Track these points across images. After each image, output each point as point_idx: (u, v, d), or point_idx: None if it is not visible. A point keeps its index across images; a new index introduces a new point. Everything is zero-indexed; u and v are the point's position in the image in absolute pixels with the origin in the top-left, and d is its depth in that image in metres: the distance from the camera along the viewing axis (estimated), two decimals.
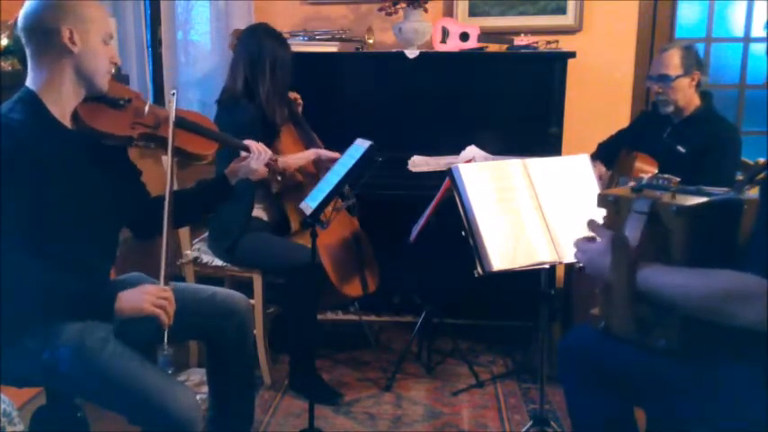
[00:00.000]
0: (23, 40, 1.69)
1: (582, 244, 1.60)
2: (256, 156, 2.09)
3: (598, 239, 1.55)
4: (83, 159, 1.72)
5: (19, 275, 1.55)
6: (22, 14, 1.69)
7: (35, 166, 1.60)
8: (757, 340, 1.30)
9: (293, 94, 2.95)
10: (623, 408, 1.63)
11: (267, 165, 2.15)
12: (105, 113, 1.77)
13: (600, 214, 1.64)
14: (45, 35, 1.66)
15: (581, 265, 1.60)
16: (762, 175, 1.44)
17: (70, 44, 1.66)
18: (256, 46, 2.77)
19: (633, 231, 1.45)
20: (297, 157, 2.79)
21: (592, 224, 1.57)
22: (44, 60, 1.68)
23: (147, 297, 1.63)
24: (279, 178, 2.73)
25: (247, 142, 2.14)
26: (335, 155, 2.75)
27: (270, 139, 2.79)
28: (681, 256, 1.44)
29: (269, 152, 2.12)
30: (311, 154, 2.81)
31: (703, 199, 1.48)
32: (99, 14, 1.73)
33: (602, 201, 1.61)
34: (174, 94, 1.87)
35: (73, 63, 1.69)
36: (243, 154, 2.15)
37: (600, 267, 1.51)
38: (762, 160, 1.70)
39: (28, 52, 1.70)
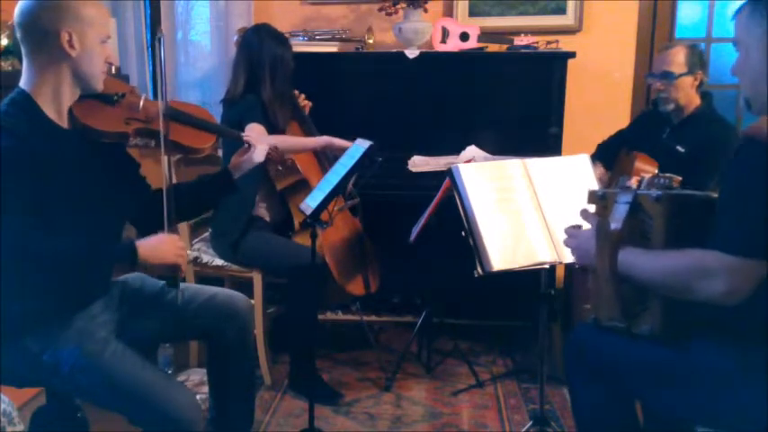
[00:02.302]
0: (19, 36, 1.67)
1: (571, 231, 1.71)
2: (257, 148, 2.06)
3: (587, 227, 1.65)
4: (81, 158, 1.71)
5: (34, 247, 1.55)
6: (18, 11, 1.66)
7: (34, 167, 1.59)
8: (744, 325, 1.37)
9: (301, 97, 2.95)
10: (626, 405, 1.65)
11: (268, 155, 2.12)
12: (99, 110, 1.76)
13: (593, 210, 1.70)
14: (43, 37, 1.64)
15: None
16: None
17: (69, 48, 1.64)
18: (257, 47, 2.77)
19: (617, 219, 1.56)
20: (306, 141, 2.78)
21: (584, 213, 1.68)
22: (40, 61, 1.66)
23: (167, 245, 1.67)
24: (279, 168, 2.72)
25: (246, 134, 2.11)
26: (347, 143, 2.72)
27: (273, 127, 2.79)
28: (660, 240, 1.53)
29: (271, 144, 2.10)
30: (323, 141, 2.77)
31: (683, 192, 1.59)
32: (98, 14, 1.70)
33: (591, 197, 1.73)
34: (163, 88, 1.83)
35: (70, 66, 1.67)
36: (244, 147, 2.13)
37: (587, 252, 1.62)
38: None
39: (23, 50, 1.68)
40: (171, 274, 1.73)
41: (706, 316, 1.41)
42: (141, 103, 1.83)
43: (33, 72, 1.68)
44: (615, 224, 1.54)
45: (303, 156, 2.82)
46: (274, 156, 2.16)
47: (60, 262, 1.59)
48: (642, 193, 1.56)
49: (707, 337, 1.45)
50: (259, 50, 2.76)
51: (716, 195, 1.51)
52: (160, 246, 1.67)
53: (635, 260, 1.48)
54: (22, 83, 1.69)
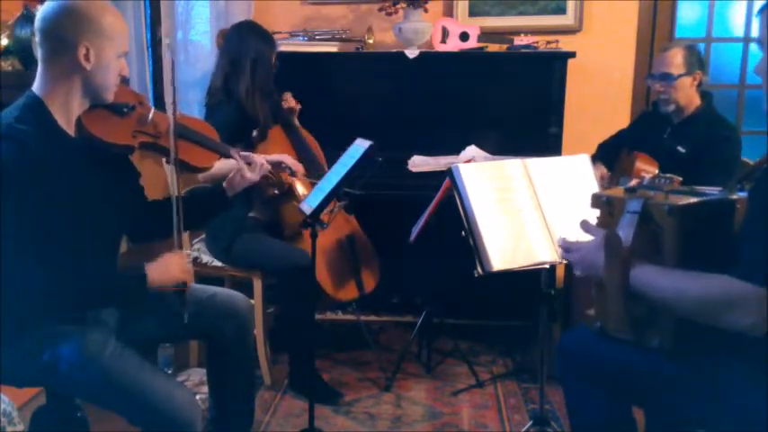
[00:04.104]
0: (37, 39, 1.67)
1: (570, 244, 1.61)
2: (254, 168, 2.07)
3: (590, 238, 1.57)
4: (86, 167, 1.72)
5: (34, 281, 1.58)
6: (40, 14, 1.66)
7: (41, 176, 1.59)
8: (754, 341, 1.31)
9: (289, 99, 2.93)
10: (622, 407, 1.64)
11: (265, 177, 2.13)
12: (108, 121, 1.76)
13: (596, 215, 1.65)
14: (60, 45, 1.64)
15: (567, 262, 1.62)
16: (749, 184, 1.45)
17: (84, 61, 1.64)
18: (239, 44, 2.77)
19: (626, 231, 1.47)
20: (268, 157, 2.74)
21: (584, 224, 1.59)
22: (54, 69, 1.66)
23: (173, 264, 1.73)
24: (276, 191, 2.72)
25: (251, 157, 2.12)
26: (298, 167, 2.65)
27: (249, 139, 2.78)
28: (673, 255, 1.45)
29: (267, 165, 2.11)
30: (284, 157, 2.66)
31: (696, 199, 1.50)
32: (119, 29, 1.70)
33: (596, 201, 1.62)
34: (173, 105, 1.80)
35: (83, 78, 1.67)
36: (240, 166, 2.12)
37: (592, 266, 1.53)
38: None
39: (39, 54, 1.68)
40: (153, 324, 1.83)
41: (718, 332, 1.34)
42: (150, 116, 1.82)
43: (47, 78, 1.68)
44: (625, 237, 1.46)
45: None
46: (272, 177, 2.16)
47: (70, 298, 1.63)
48: (653, 202, 1.48)
49: (715, 351, 1.42)
50: (240, 48, 2.76)
51: (733, 197, 1.49)
52: (168, 266, 1.73)
53: (651, 281, 1.41)
54: (35, 87, 1.69)
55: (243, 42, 2.77)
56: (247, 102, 2.74)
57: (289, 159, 2.56)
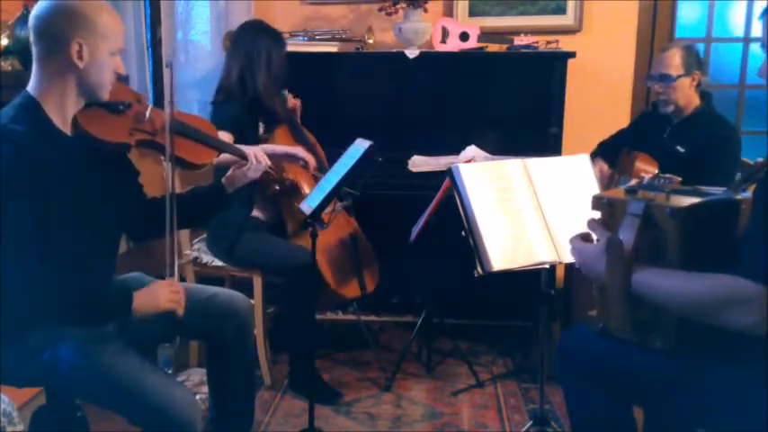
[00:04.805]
0: (31, 38, 1.66)
1: (577, 243, 1.60)
2: (254, 165, 2.08)
3: (594, 241, 1.56)
4: (83, 166, 1.71)
5: (33, 283, 1.58)
6: (33, 13, 1.65)
7: (38, 176, 1.59)
8: (754, 341, 1.31)
9: (289, 98, 2.94)
10: (622, 407, 1.64)
11: (266, 173, 2.13)
12: (104, 119, 1.75)
13: (597, 216, 1.65)
14: (53, 43, 1.63)
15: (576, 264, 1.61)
16: (753, 187, 1.45)
17: (77, 59, 1.63)
18: (252, 42, 2.78)
19: (628, 234, 1.46)
20: (282, 148, 2.75)
21: (592, 223, 1.57)
22: (48, 68, 1.65)
23: (161, 293, 1.70)
24: (277, 187, 2.72)
25: (246, 150, 2.12)
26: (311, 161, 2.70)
27: (256, 136, 2.79)
28: (676, 257, 1.44)
29: (267, 161, 2.11)
30: (298, 150, 2.72)
31: (698, 200, 1.49)
32: (113, 26, 1.68)
33: (597, 203, 1.61)
34: (171, 104, 1.79)
35: (77, 76, 1.66)
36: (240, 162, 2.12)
37: (595, 268, 1.52)
38: (761, 160, 1.71)
39: (33, 52, 1.67)
40: (156, 325, 1.76)
41: (720, 333, 1.33)
42: (147, 114, 1.81)
43: (41, 77, 1.67)
44: (626, 240, 1.44)
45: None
46: (273, 174, 2.16)
47: (55, 305, 1.62)
48: (654, 204, 1.46)
49: (715, 351, 1.42)
50: (254, 45, 2.77)
51: (737, 197, 1.48)
52: (155, 296, 1.70)
53: (653, 282, 1.40)
54: (30, 87, 1.68)
55: (255, 40, 2.78)
56: (266, 96, 2.76)
57: (302, 152, 2.56)
